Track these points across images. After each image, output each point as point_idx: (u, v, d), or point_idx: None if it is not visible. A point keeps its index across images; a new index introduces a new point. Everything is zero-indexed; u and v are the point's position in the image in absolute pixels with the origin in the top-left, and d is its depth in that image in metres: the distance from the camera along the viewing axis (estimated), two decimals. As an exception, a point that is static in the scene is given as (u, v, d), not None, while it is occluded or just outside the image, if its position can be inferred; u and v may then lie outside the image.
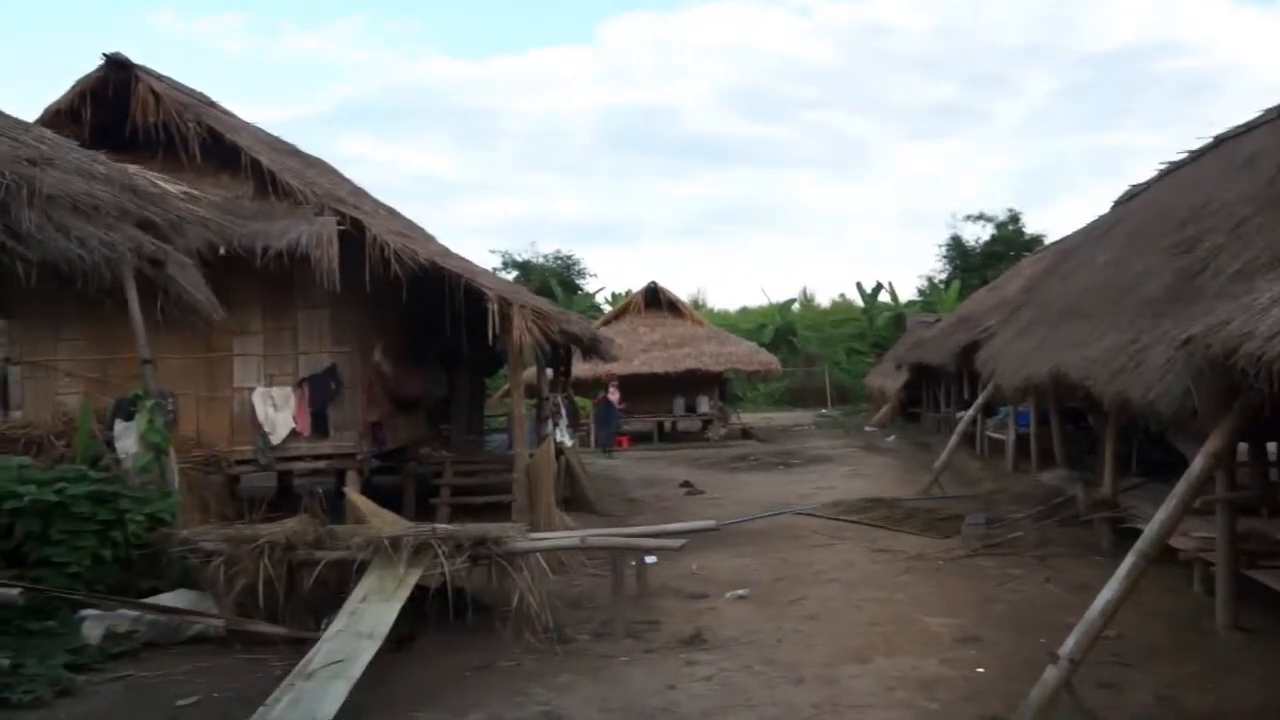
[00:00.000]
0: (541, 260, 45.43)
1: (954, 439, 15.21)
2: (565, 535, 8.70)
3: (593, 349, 14.54)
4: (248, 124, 12.44)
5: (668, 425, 27.29)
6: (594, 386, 24.60)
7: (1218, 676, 5.92)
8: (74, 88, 10.55)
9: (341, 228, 10.00)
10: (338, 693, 5.47)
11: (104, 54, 10.59)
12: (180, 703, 5.98)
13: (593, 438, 23.53)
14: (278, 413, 10.64)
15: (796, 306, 47.73)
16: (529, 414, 14.60)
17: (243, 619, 7.21)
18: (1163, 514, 5.14)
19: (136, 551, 7.58)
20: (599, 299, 44.45)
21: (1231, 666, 6.11)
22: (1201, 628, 6.97)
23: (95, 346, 10.26)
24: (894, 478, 16.58)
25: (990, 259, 39.88)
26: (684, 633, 7.22)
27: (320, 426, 10.86)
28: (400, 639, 6.82)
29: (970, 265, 41.33)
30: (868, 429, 28.39)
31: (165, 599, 7.41)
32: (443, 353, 13.96)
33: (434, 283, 10.79)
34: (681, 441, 25.93)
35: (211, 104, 11.83)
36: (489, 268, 28.89)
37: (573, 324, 12.17)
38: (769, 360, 28.22)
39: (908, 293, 44.70)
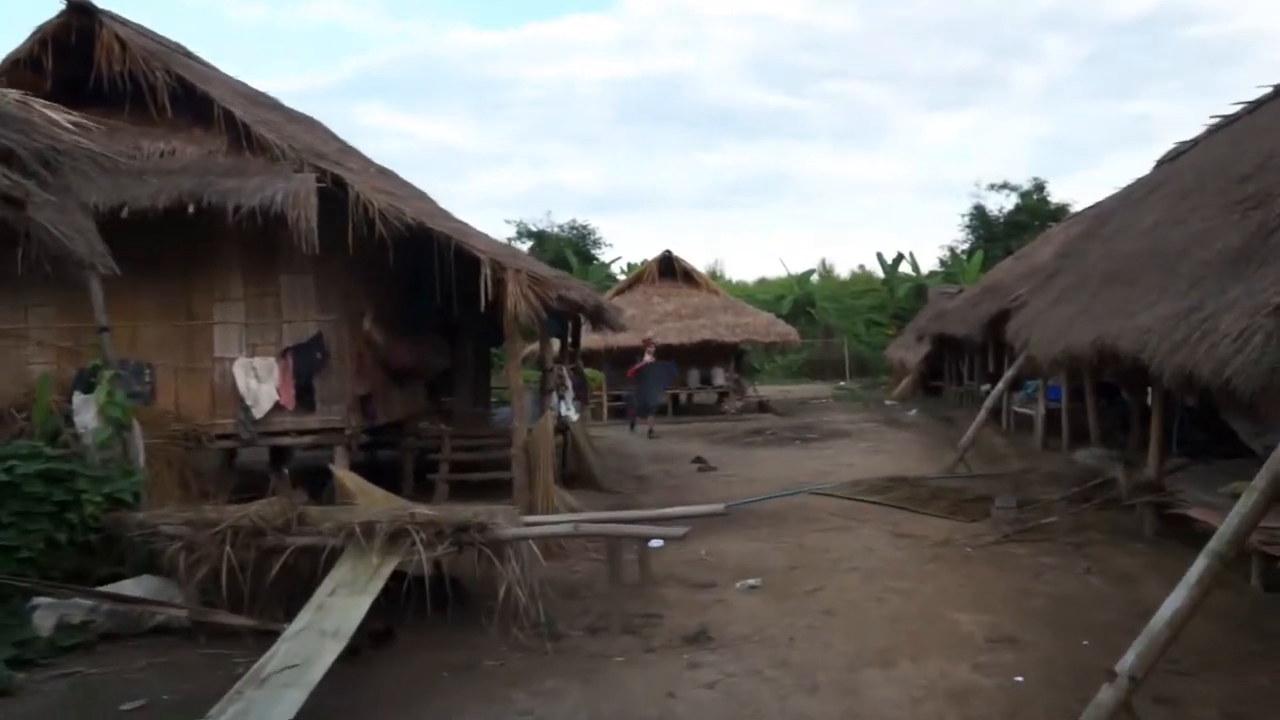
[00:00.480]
0: (557, 230, 44.69)
1: (981, 414, 14.36)
2: (559, 520, 8.04)
3: (598, 317, 13.79)
4: (223, 75, 11.64)
5: (683, 398, 26.60)
6: (618, 359, 22.88)
7: (1290, 690, 5.21)
8: (34, 34, 9.76)
9: (322, 185, 9.25)
10: (292, 702, 4.84)
11: (66, -3, 9.83)
12: (124, 707, 5.42)
13: (633, 411, 21.52)
14: (260, 385, 9.99)
15: (815, 277, 46.78)
16: (533, 387, 13.96)
17: (207, 609, 6.64)
18: (1241, 508, 4.39)
19: (95, 535, 7.03)
20: (615, 269, 43.66)
21: (1304, 678, 5.39)
22: (1264, 630, 6.26)
23: (66, 314, 9.59)
24: (916, 454, 15.79)
25: (1014, 229, 38.79)
26: (688, 628, 6.56)
27: (306, 399, 10.21)
28: (377, 636, 6.23)
29: (994, 235, 40.22)
30: (888, 402, 27.61)
31: (126, 586, 6.85)
32: (444, 322, 13.28)
33: (431, 247, 10.07)
34: (697, 414, 25.24)
35: (186, 53, 11.03)
36: (504, 238, 28.32)
37: (574, 290, 11.40)
38: (787, 331, 27.36)
39: (929, 263, 43.78)
